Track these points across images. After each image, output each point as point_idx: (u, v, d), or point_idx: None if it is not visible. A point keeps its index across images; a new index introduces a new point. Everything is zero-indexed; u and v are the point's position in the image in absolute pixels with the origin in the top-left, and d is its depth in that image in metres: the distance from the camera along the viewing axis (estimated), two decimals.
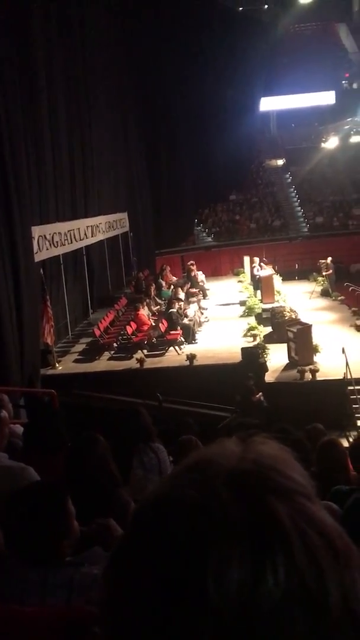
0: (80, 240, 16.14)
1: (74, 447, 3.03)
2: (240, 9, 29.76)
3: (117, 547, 0.54)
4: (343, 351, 12.00)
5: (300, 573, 0.47)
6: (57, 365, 13.43)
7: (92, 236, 17.20)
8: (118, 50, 19.90)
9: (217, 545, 0.48)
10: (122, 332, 15.12)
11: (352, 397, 11.79)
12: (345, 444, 6.29)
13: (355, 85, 36.70)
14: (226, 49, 23.62)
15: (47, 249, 13.51)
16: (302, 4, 37.85)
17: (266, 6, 34.42)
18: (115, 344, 14.73)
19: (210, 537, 0.48)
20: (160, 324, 14.88)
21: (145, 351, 14.07)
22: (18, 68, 12.09)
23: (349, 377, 11.88)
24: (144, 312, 15.47)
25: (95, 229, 17.56)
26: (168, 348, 14.26)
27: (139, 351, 14.03)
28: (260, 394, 10.83)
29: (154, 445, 4.69)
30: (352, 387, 11.81)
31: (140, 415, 4.55)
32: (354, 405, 11.78)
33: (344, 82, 36.93)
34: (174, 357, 13.92)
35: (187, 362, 13.08)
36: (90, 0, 17.39)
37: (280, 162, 34.37)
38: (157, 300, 18.09)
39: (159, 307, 17.47)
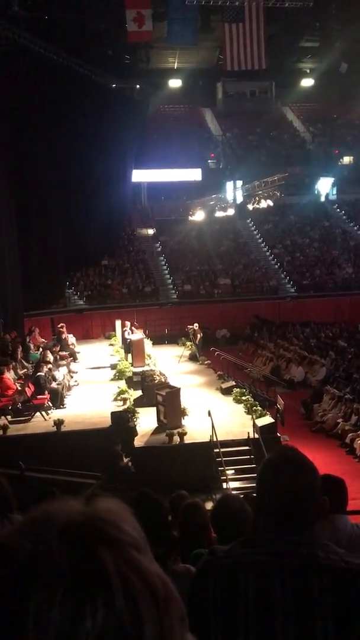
0: None
1: None
2: (114, 86, 31.21)
3: None
4: (209, 414, 12.34)
5: (118, 616, 0.50)
6: None
7: None
8: None
9: (40, 589, 0.50)
10: None
11: (217, 459, 12.05)
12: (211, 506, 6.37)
13: (220, 165, 39.60)
14: (99, 122, 24.49)
15: None
16: (172, 88, 40.81)
17: (138, 86, 36.48)
18: None
19: (35, 582, 0.50)
20: (26, 388, 14.35)
21: (9, 417, 13.44)
22: None
23: (214, 439, 12.18)
24: (9, 375, 14.85)
25: None
26: (34, 413, 13.74)
27: (3, 417, 13.38)
28: (128, 459, 10.71)
29: (13, 517, 4.47)
30: (217, 450, 12.09)
31: None
32: (219, 468, 12.04)
33: (209, 161, 39.76)
34: (41, 422, 13.43)
35: (55, 428, 12.67)
36: None
37: (150, 231, 35.70)
38: (24, 363, 17.49)
39: (25, 370, 16.88)
